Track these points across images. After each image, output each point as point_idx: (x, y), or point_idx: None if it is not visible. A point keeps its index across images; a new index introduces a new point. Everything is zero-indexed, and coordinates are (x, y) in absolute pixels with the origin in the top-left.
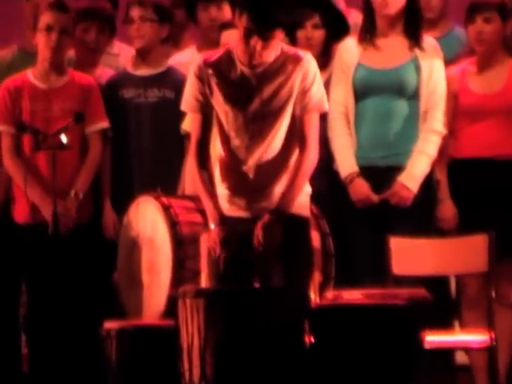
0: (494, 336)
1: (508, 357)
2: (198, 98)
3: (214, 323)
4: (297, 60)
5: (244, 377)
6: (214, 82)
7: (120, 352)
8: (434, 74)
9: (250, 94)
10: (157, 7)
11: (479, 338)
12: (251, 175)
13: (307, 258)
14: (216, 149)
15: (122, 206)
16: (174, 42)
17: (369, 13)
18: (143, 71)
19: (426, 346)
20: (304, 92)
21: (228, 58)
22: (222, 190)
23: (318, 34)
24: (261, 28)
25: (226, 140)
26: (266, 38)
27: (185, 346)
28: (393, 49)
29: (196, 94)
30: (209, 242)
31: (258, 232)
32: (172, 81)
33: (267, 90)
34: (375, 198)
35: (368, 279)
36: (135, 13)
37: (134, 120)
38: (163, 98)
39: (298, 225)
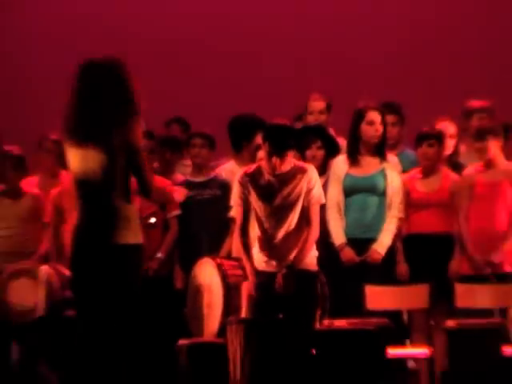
0: (432, 350)
1: (442, 364)
2: (241, 196)
3: (250, 342)
4: (303, 170)
5: (270, 378)
6: (250, 186)
7: (188, 359)
8: (394, 180)
9: (274, 193)
10: (210, 139)
11: (422, 352)
12: (278, 246)
13: (315, 300)
14: (254, 230)
15: (190, 264)
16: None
17: (354, 142)
18: (199, 178)
19: (388, 357)
20: (309, 191)
21: (259, 170)
22: (260, 256)
23: (320, 153)
24: (278, 151)
25: (260, 223)
26: (282, 156)
27: (231, 356)
28: (368, 163)
29: (240, 194)
30: (248, 286)
31: (279, 279)
32: (218, 183)
33: (285, 191)
34: (357, 259)
35: (350, 312)
36: (197, 142)
37: (196, 210)
38: (214, 196)
39: (309, 277)
